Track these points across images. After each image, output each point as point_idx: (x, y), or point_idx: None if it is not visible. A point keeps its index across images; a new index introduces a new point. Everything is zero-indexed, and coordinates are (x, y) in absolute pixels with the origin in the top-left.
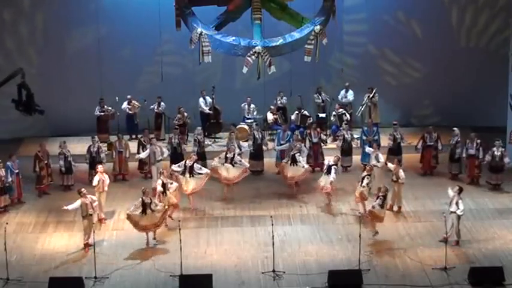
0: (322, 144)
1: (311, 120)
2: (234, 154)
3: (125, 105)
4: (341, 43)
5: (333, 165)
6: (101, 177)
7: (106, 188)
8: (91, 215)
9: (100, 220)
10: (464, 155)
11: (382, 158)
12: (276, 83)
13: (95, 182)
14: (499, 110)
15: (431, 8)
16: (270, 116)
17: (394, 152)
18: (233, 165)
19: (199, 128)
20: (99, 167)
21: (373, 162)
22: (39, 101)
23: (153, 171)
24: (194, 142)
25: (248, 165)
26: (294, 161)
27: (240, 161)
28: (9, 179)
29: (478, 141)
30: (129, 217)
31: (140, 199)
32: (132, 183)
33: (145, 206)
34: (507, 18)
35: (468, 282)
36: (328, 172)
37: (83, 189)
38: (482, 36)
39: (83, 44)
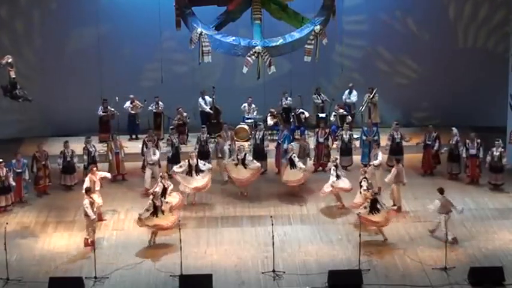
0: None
1: (305, 115)
2: (245, 154)
3: (127, 104)
4: (341, 43)
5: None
6: (92, 178)
7: (98, 188)
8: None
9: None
10: (464, 155)
11: (380, 156)
12: (276, 83)
13: (85, 185)
14: (499, 110)
15: (431, 8)
16: (270, 120)
17: (394, 152)
18: (245, 167)
19: (203, 126)
20: (94, 168)
21: (374, 161)
22: (39, 100)
23: (147, 173)
24: (197, 141)
25: (260, 164)
26: (293, 164)
27: (252, 160)
28: (10, 180)
29: (478, 140)
30: (140, 221)
31: (151, 202)
32: (132, 183)
33: (156, 209)
34: (507, 18)
35: (468, 282)
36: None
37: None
38: (482, 36)
39: (83, 43)
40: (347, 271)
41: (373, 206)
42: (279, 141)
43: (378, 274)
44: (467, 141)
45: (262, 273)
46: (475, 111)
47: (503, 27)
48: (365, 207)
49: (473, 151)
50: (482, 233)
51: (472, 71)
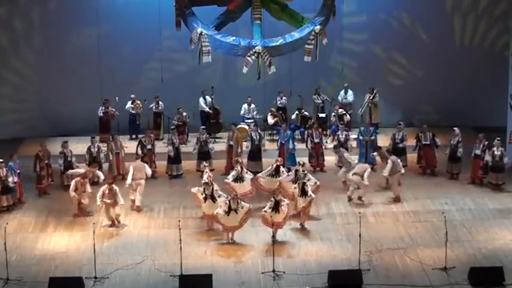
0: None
1: (312, 122)
2: (241, 168)
3: (128, 104)
4: (341, 43)
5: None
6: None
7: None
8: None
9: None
10: (473, 154)
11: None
12: (276, 83)
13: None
14: (499, 110)
15: (431, 7)
16: (270, 119)
17: (396, 152)
18: (242, 181)
19: (203, 127)
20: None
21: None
22: (39, 101)
23: (130, 171)
24: (197, 141)
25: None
26: (277, 173)
27: (247, 172)
28: (15, 179)
29: (486, 142)
30: (215, 217)
31: (227, 202)
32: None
33: (230, 209)
34: (507, 18)
35: (468, 282)
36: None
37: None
38: (482, 36)
39: (83, 43)
40: (347, 271)
41: (274, 205)
42: (282, 142)
43: (378, 274)
44: (477, 140)
45: (262, 273)
46: (475, 111)
47: (504, 26)
48: (269, 208)
49: (477, 152)
50: (482, 233)
51: (472, 71)
